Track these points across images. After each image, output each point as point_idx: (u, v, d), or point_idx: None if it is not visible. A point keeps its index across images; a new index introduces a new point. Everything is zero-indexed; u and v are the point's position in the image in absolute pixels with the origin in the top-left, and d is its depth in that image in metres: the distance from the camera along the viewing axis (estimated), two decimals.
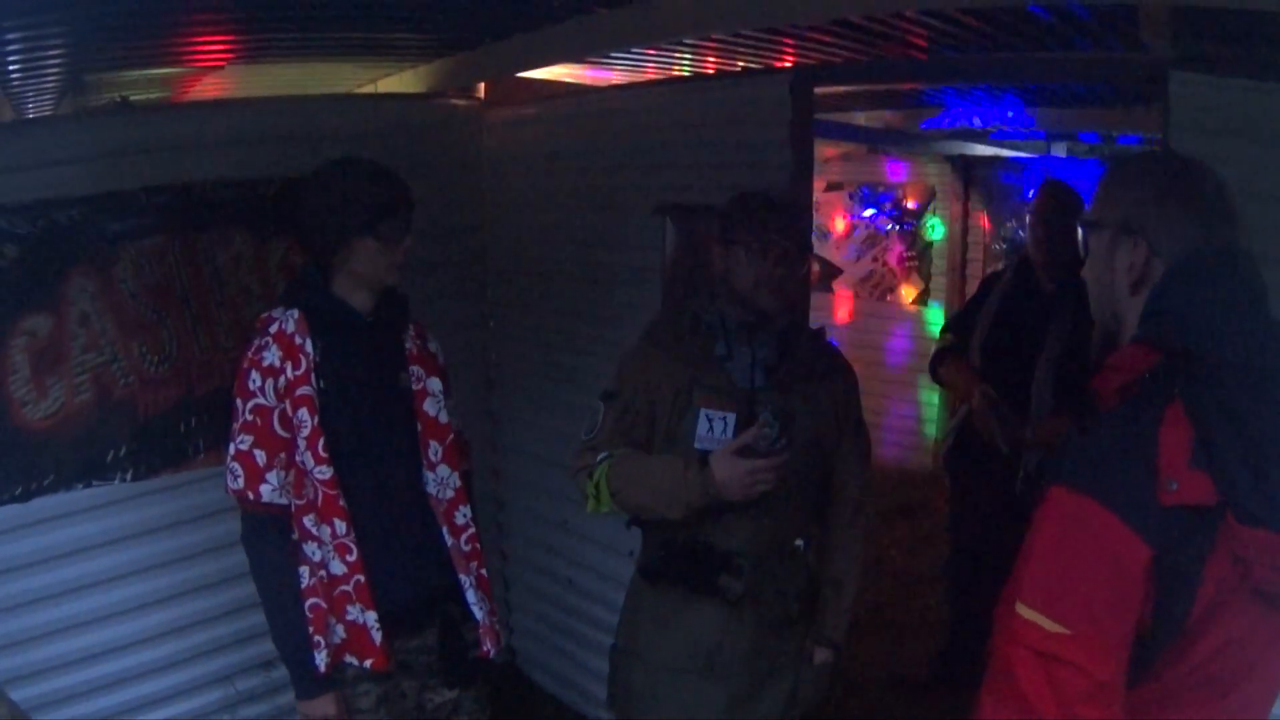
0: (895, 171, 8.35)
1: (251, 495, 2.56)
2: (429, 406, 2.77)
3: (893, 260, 8.40)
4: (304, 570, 2.61)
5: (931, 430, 8.02)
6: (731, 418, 2.63)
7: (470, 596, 2.79)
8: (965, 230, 7.98)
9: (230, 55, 4.19)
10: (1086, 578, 1.55)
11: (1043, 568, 1.60)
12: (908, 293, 8.30)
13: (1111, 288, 1.79)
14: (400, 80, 4.65)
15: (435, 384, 2.80)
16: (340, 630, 2.62)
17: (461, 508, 2.82)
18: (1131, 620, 1.55)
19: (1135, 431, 1.57)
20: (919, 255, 8.20)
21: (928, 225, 8.16)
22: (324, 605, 2.60)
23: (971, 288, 7.66)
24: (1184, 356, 1.60)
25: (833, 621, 2.85)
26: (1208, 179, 1.75)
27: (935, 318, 7.98)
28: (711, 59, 4.40)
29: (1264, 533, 1.50)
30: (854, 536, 2.87)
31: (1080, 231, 1.86)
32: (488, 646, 2.84)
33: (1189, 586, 1.55)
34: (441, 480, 2.78)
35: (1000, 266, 6.38)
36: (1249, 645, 1.61)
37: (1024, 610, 1.58)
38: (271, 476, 2.56)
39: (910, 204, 8.23)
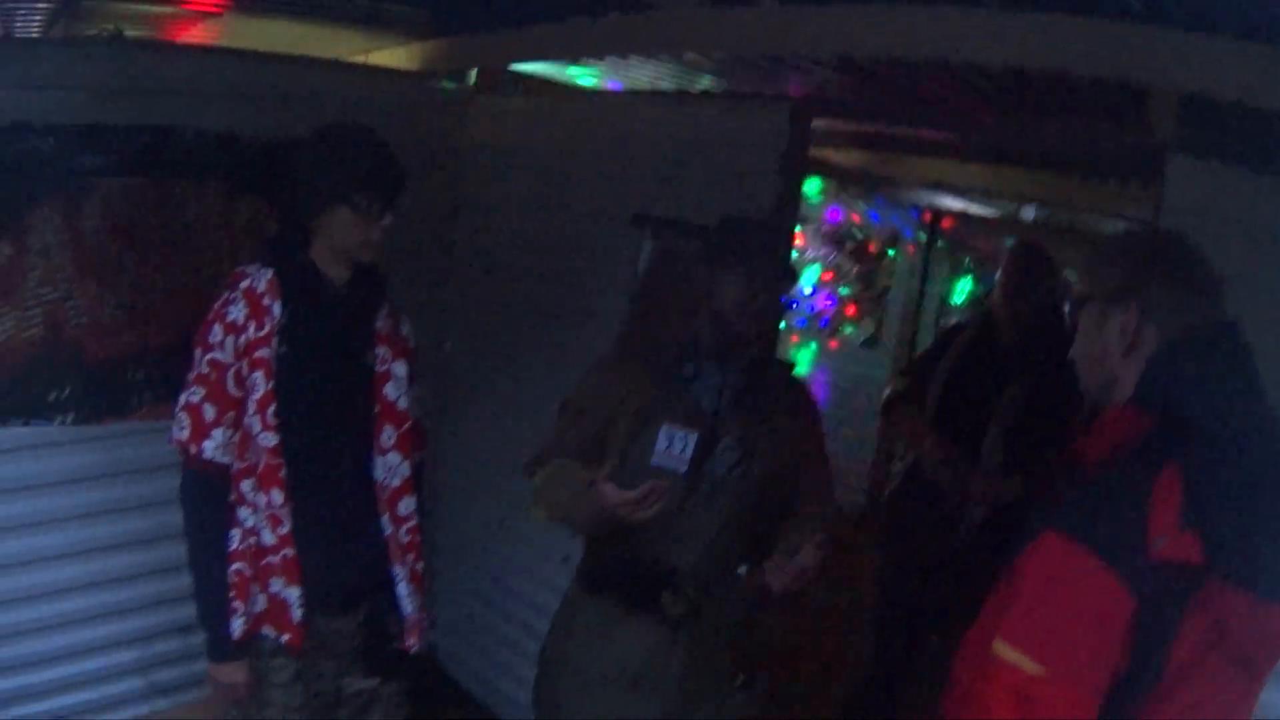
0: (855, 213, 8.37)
1: (194, 449, 2.52)
2: (390, 390, 2.72)
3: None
4: (235, 534, 2.57)
5: (865, 471, 8.00)
6: (693, 437, 2.61)
7: (402, 589, 2.75)
8: (923, 279, 8.03)
9: (229, 2, 4.12)
10: (1071, 623, 1.60)
11: (1028, 609, 1.64)
12: (857, 333, 8.32)
13: (1104, 356, 1.84)
14: (393, 55, 4.60)
15: (400, 368, 2.75)
16: (262, 600, 2.59)
17: (406, 498, 2.77)
18: (1110, 669, 1.60)
19: (1130, 487, 1.63)
20: (874, 298, 8.24)
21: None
22: (248, 572, 2.57)
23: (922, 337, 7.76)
24: (1181, 424, 1.66)
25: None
26: (1195, 255, 1.82)
27: (883, 361, 8.01)
28: (708, 79, 4.38)
29: (1246, 597, 1.58)
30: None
31: (1069, 309, 1.90)
32: (412, 641, 2.80)
33: (1166, 642, 1.60)
34: (390, 467, 2.73)
35: (954, 321, 6.42)
36: (1220, 705, 1.65)
37: (1004, 649, 1.61)
38: (217, 433, 2.52)
39: (871, 247, 8.27)
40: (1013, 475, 3.60)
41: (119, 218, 3.45)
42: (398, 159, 2.58)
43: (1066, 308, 1.96)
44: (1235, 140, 3.08)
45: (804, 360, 8.47)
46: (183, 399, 2.54)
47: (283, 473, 2.53)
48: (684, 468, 2.60)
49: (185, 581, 2.62)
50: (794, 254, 4.12)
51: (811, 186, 8.15)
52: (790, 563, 2.45)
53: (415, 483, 2.83)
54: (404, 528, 2.77)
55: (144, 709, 3.75)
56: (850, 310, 8.42)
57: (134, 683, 3.72)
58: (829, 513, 2.82)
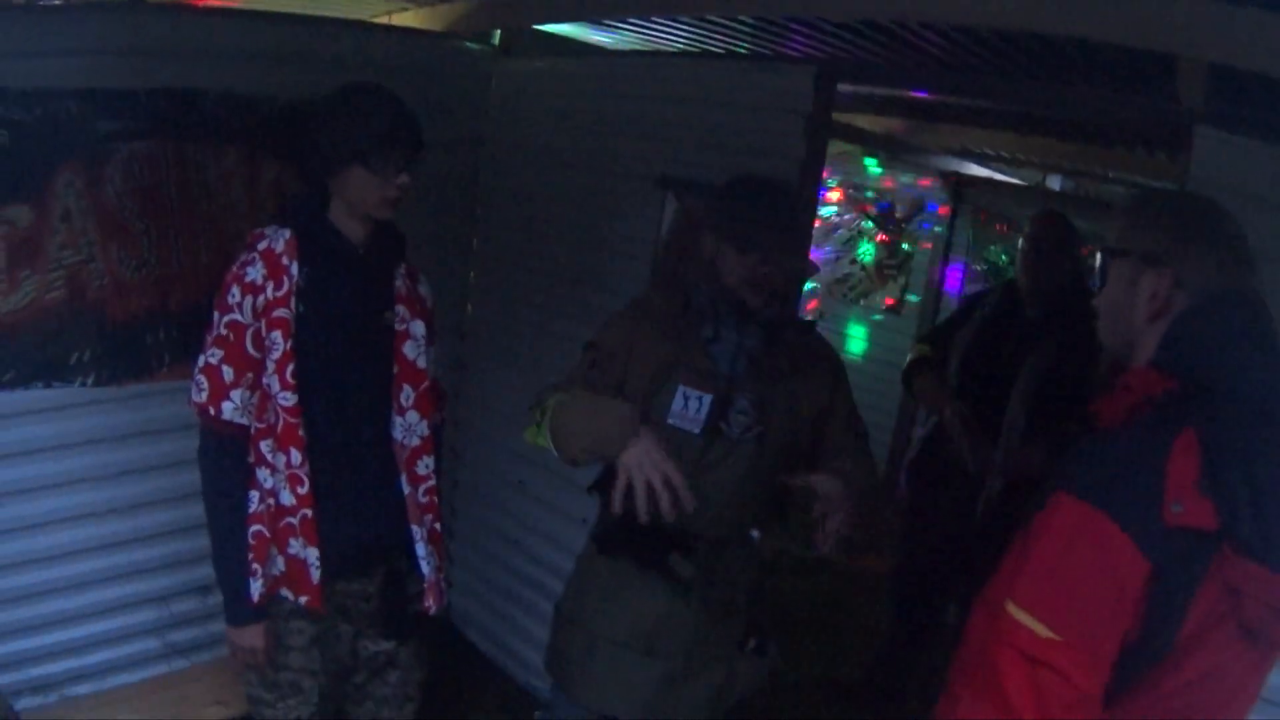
0: (887, 179, 8.32)
1: (213, 410, 2.50)
2: (408, 350, 2.72)
3: (871, 265, 8.38)
4: (253, 495, 2.56)
5: (887, 437, 7.97)
6: (709, 399, 2.61)
7: (420, 550, 2.75)
8: (948, 246, 7.97)
9: None
10: (1084, 587, 1.58)
11: (1041, 572, 1.62)
12: (882, 299, 8.28)
13: (1130, 315, 1.82)
14: (417, 16, 4.57)
15: (419, 327, 2.74)
16: (280, 562, 2.58)
17: (425, 458, 2.77)
18: (1120, 635, 1.59)
19: (1147, 450, 1.61)
20: (898, 265, 8.20)
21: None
22: (267, 534, 2.56)
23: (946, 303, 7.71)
24: (1201, 388, 1.65)
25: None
26: (1230, 222, 1.81)
27: (907, 327, 7.98)
28: (726, 39, 4.35)
29: (1259, 568, 1.56)
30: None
31: (1099, 258, 1.89)
32: (430, 603, 2.80)
33: (1179, 609, 1.59)
34: (409, 427, 2.73)
35: (978, 288, 6.38)
36: (1228, 678, 1.65)
37: (1016, 611, 1.60)
38: (235, 395, 2.50)
39: (898, 213, 8.22)
40: (1034, 444, 3.59)
41: (140, 180, 3.44)
42: (414, 117, 2.55)
43: (1097, 262, 1.94)
44: (1263, 111, 3.05)
45: (858, 334, 8.47)
46: (201, 361, 2.52)
47: (301, 433, 2.53)
48: (698, 429, 2.61)
49: (204, 542, 2.61)
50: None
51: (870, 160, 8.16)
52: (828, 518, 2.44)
53: (434, 443, 2.83)
54: (422, 488, 2.77)
55: (162, 669, 3.79)
56: (811, 305, 8.42)
57: (152, 643, 3.75)
58: (865, 467, 2.75)
